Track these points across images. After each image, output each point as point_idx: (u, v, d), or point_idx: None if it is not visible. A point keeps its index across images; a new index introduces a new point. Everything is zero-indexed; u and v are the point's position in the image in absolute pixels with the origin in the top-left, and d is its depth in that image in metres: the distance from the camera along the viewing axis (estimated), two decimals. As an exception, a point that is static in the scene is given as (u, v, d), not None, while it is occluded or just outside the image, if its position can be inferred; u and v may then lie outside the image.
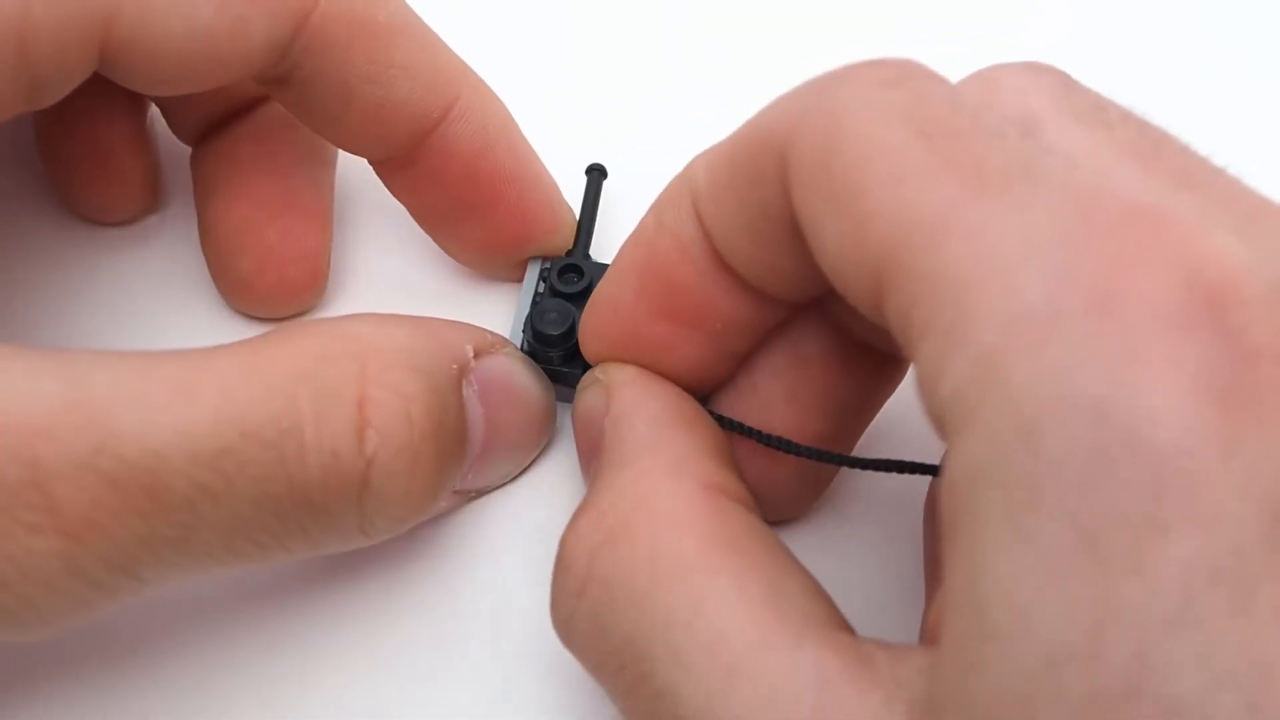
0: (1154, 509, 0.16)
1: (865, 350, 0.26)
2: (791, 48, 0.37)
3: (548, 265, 0.31)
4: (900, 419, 0.29)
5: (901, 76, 0.21)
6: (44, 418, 0.21)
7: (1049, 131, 0.21)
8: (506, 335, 0.29)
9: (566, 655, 0.27)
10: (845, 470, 0.29)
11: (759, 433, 0.26)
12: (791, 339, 0.26)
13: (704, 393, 0.27)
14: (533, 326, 0.29)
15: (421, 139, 0.29)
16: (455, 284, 0.32)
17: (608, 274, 0.26)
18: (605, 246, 0.32)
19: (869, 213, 0.19)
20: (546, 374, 0.29)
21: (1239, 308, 0.17)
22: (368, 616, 0.28)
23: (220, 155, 0.31)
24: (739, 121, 0.35)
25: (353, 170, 0.33)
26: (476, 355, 0.27)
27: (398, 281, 0.33)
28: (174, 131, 0.33)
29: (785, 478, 0.27)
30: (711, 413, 0.26)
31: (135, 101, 0.31)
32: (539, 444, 0.30)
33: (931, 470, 0.26)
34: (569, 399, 0.30)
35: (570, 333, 0.29)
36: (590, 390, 0.27)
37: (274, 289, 0.31)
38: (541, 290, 0.30)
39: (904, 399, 0.28)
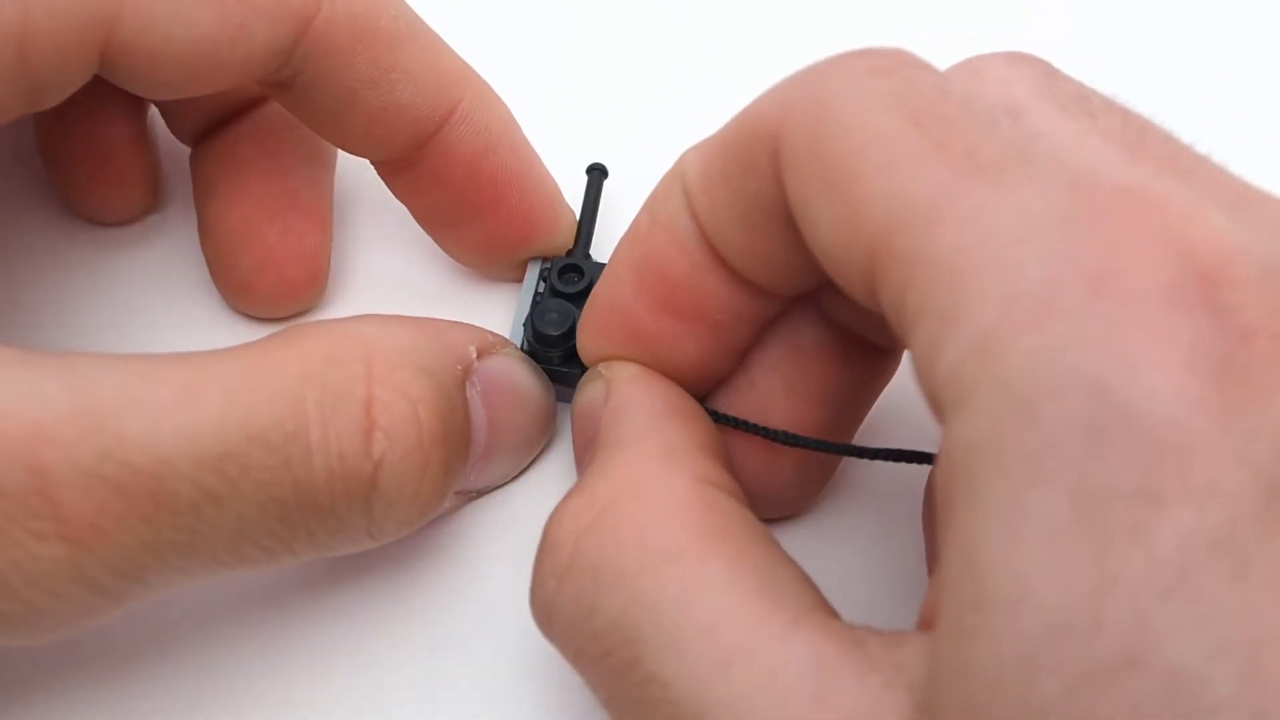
0: (1151, 481, 0.16)
1: (860, 342, 0.26)
2: (791, 47, 0.37)
3: (548, 265, 0.31)
4: (896, 411, 0.29)
5: (891, 65, 0.21)
6: (48, 423, 0.21)
7: (1033, 120, 0.21)
8: (506, 335, 0.29)
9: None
10: (843, 466, 0.29)
11: (758, 427, 0.26)
12: (787, 332, 0.26)
13: (705, 390, 0.27)
14: (533, 326, 0.29)
15: (424, 141, 0.29)
16: (455, 284, 0.32)
17: (604, 274, 0.26)
18: (605, 246, 0.32)
19: (862, 198, 0.20)
20: (547, 374, 0.29)
21: (1232, 287, 0.17)
22: (367, 616, 0.28)
23: (220, 155, 0.31)
24: (739, 121, 0.35)
25: (353, 170, 0.33)
26: (479, 356, 0.27)
27: (398, 281, 0.33)
28: (173, 132, 0.33)
29: (786, 472, 0.27)
30: (711, 410, 0.26)
31: (135, 102, 0.31)
32: (539, 444, 0.30)
33: (933, 459, 0.26)
34: (569, 399, 0.30)
35: (570, 333, 0.29)
36: (591, 384, 0.27)
37: (274, 289, 0.31)
38: (541, 290, 0.30)
39: (899, 393, 0.28)
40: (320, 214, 0.32)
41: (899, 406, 0.29)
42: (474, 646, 0.28)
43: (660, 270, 0.25)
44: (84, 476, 0.21)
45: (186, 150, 0.32)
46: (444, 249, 0.32)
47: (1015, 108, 0.21)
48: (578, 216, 0.32)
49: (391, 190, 0.31)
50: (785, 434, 0.26)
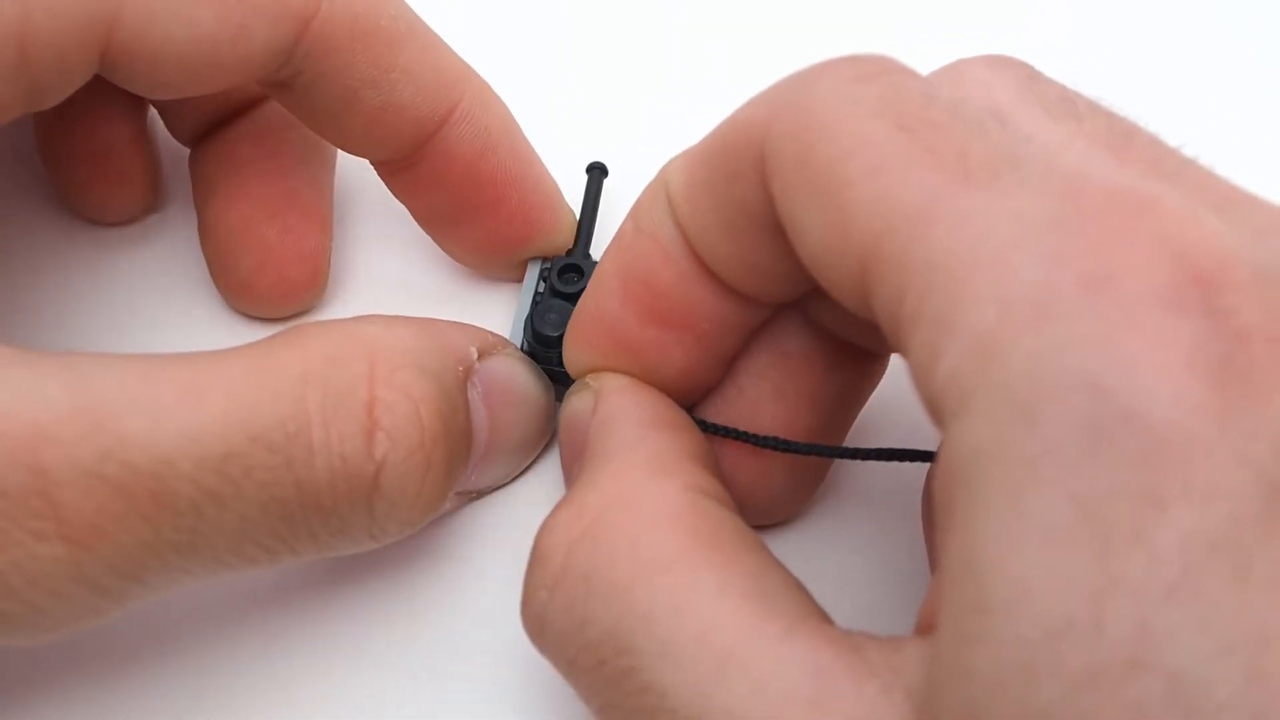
0: (1152, 482, 0.16)
1: (848, 347, 0.26)
2: (791, 47, 0.37)
3: (547, 265, 0.31)
4: (885, 413, 0.29)
5: (876, 71, 0.21)
6: (48, 423, 0.21)
7: (1020, 123, 0.21)
8: (506, 336, 0.29)
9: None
10: (834, 470, 0.29)
11: (747, 434, 0.26)
12: (774, 339, 0.26)
13: (693, 399, 0.27)
14: (533, 327, 0.29)
15: (423, 141, 0.29)
16: (455, 284, 0.32)
17: (589, 284, 0.26)
18: (605, 246, 0.32)
19: (851, 204, 0.20)
20: (546, 374, 0.29)
21: (1227, 289, 0.17)
22: (367, 616, 0.28)
23: (219, 155, 0.31)
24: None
25: (353, 170, 0.33)
26: (479, 356, 0.27)
27: (398, 281, 0.33)
28: (171, 132, 0.33)
29: (777, 479, 0.27)
30: (699, 420, 0.26)
31: (136, 101, 0.31)
32: (539, 444, 0.30)
33: (928, 457, 0.26)
34: (569, 399, 0.30)
35: (570, 333, 0.29)
36: (578, 395, 0.27)
37: (274, 288, 0.31)
38: (541, 290, 0.30)
39: (886, 394, 0.28)
40: (320, 214, 0.32)
41: (888, 407, 0.29)
42: (474, 646, 0.28)
43: (646, 279, 0.25)
44: (84, 476, 0.21)
45: (186, 149, 0.32)
46: (444, 249, 0.32)
47: (1000, 111, 0.21)
48: (577, 216, 0.32)
49: (391, 190, 0.31)
50: (775, 440, 0.26)
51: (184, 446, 0.22)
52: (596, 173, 0.32)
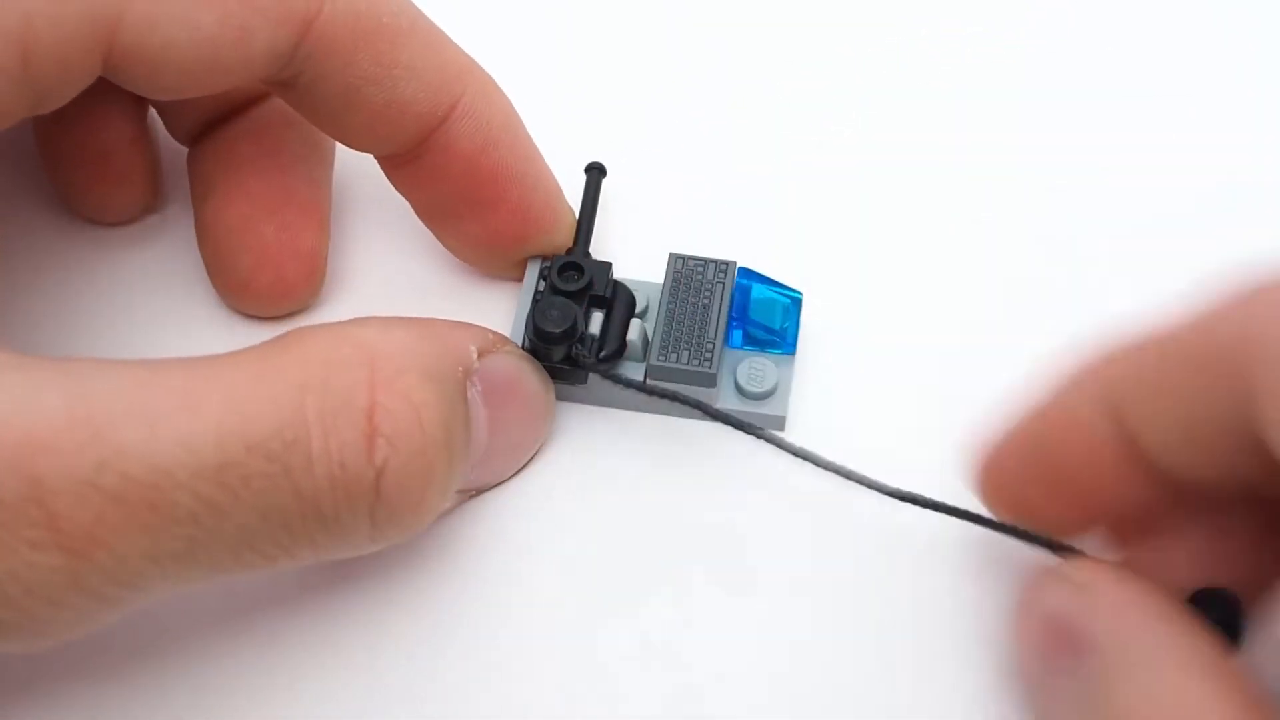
0: None
1: None
2: (791, 44, 0.37)
3: (548, 264, 0.31)
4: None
5: None
6: (45, 432, 0.21)
7: None
8: (507, 334, 0.29)
9: (565, 652, 0.27)
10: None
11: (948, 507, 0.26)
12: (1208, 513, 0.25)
13: None
14: (534, 324, 0.29)
15: (426, 136, 0.29)
16: (455, 283, 0.32)
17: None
18: (605, 245, 0.32)
19: None
20: (547, 372, 0.29)
21: None
22: (365, 616, 0.28)
23: (217, 154, 0.31)
24: (737, 120, 0.35)
25: (352, 168, 0.33)
26: (479, 355, 0.27)
27: (396, 280, 0.33)
28: (170, 132, 0.33)
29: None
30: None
31: (136, 102, 0.31)
32: (538, 442, 0.30)
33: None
34: (569, 397, 0.30)
35: (571, 331, 0.29)
36: (1055, 586, 0.25)
37: (271, 287, 0.31)
38: (542, 289, 0.30)
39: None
40: (318, 212, 0.31)
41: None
42: (474, 646, 0.28)
43: (1060, 464, 0.25)
44: (80, 486, 0.21)
45: (186, 149, 0.32)
46: (444, 244, 0.32)
47: None
48: (577, 215, 0.32)
49: (393, 183, 0.31)
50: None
51: (181, 456, 0.22)
52: (595, 172, 0.32)
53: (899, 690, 0.27)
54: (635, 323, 0.30)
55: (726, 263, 0.30)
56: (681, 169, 0.35)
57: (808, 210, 0.34)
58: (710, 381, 0.29)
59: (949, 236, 0.33)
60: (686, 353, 0.29)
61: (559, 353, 0.29)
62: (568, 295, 0.29)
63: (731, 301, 0.30)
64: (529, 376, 0.29)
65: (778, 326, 0.30)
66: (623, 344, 0.29)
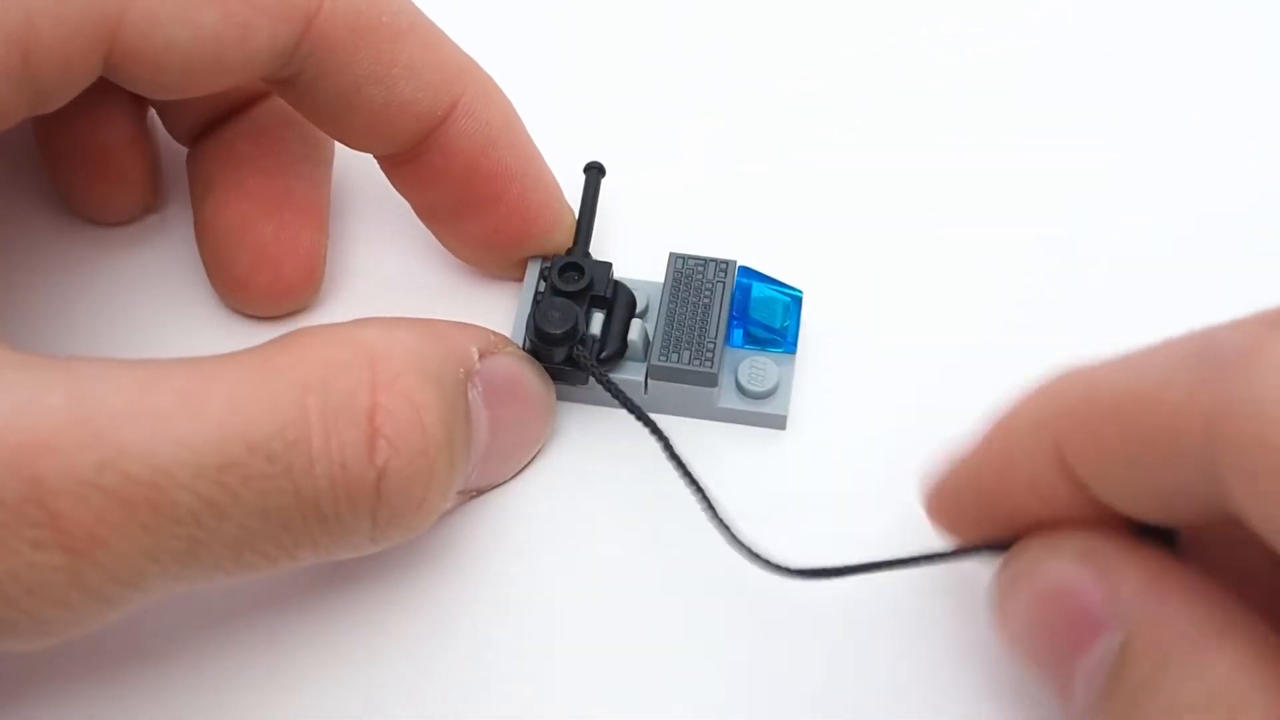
0: None
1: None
2: (791, 44, 0.37)
3: (548, 265, 0.31)
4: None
5: None
6: (47, 432, 0.21)
7: None
8: (508, 334, 0.29)
9: (564, 653, 0.27)
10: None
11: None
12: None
13: None
14: (534, 325, 0.29)
15: (426, 136, 0.29)
16: (454, 283, 0.32)
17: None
18: (604, 244, 0.32)
19: None
20: (548, 372, 0.29)
21: None
22: (366, 616, 0.28)
23: (216, 153, 0.31)
24: (737, 120, 0.35)
25: (352, 168, 0.33)
26: (480, 356, 0.27)
27: (395, 280, 0.33)
28: (169, 131, 0.33)
29: None
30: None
31: (136, 101, 0.31)
32: (539, 442, 0.30)
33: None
34: (570, 398, 0.30)
35: (572, 332, 0.29)
36: (1058, 560, 0.23)
37: (270, 287, 0.31)
38: (542, 289, 0.30)
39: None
40: (317, 211, 0.31)
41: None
42: (474, 646, 0.28)
43: (1001, 496, 0.24)
44: (81, 486, 0.21)
45: (185, 149, 0.32)
46: (444, 244, 0.32)
47: None
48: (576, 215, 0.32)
49: (393, 183, 0.31)
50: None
51: (182, 456, 0.22)
52: (594, 172, 0.32)
53: (897, 688, 0.27)
54: (636, 323, 0.30)
55: (727, 262, 0.30)
56: (681, 169, 0.35)
57: (808, 210, 0.34)
58: (711, 381, 0.29)
59: (949, 236, 0.33)
60: (687, 352, 0.29)
61: (560, 354, 0.29)
62: (568, 296, 0.29)
63: (732, 300, 0.30)
64: (530, 377, 0.29)
65: (778, 325, 0.30)
66: (623, 344, 0.29)
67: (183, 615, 0.27)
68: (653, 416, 0.28)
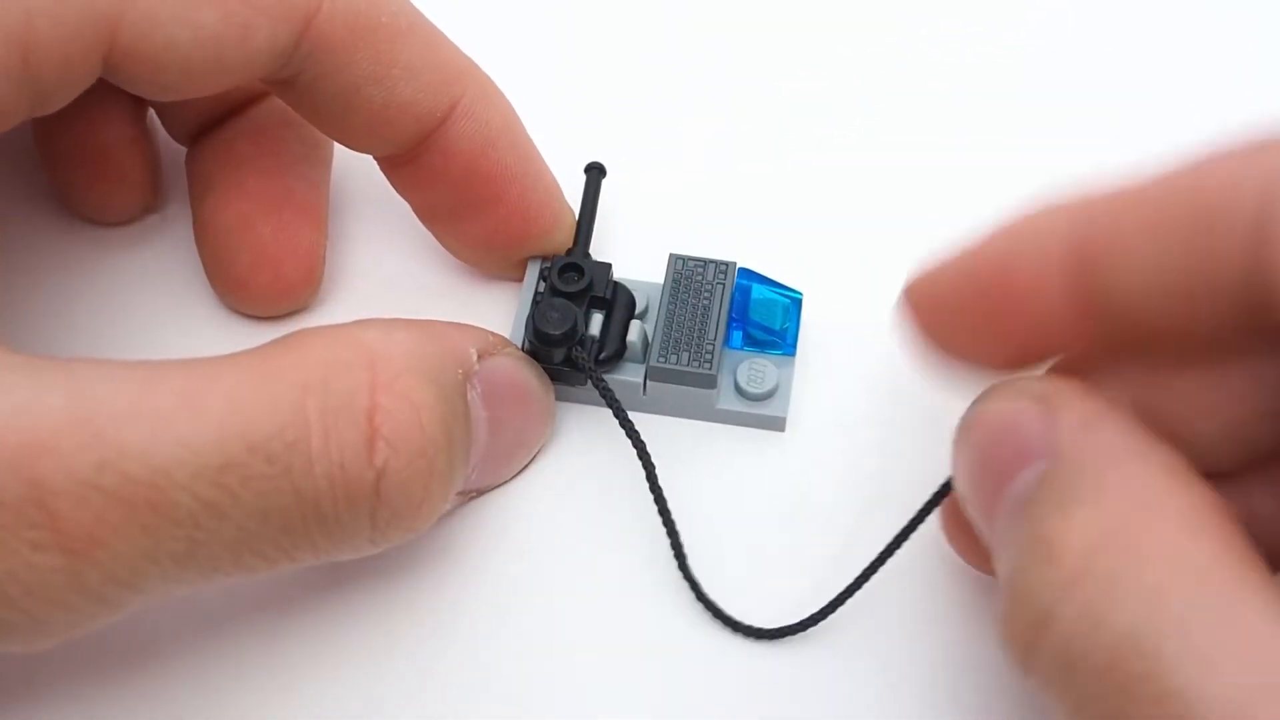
0: None
1: None
2: (791, 44, 0.37)
3: (547, 265, 0.31)
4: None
5: None
6: (46, 433, 0.21)
7: None
8: (507, 335, 0.29)
9: (564, 653, 0.27)
10: None
11: None
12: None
13: None
14: (534, 326, 0.29)
15: (425, 137, 0.29)
16: (454, 283, 0.32)
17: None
18: (604, 245, 0.32)
19: None
20: (547, 373, 0.29)
21: None
22: (366, 616, 0.28)
23: (215, 153, 0.31)
24: (737, 120, 0.35)
25: (351, 168, 0.33)
26: (480, 357, 0.27)
27: (395, 281, 0.33)
28: (168, 131, 0.33)
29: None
30: None
31: (135, 102, 0.31)
32: (539, 443, 0.30)
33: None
34: (569, 398, 0.30)
35: (571, 332, 0.29)
36: (1007, 398, 0.23)
37: (269, 287, 0.31)
38: (542, 290, 0.30)
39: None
40: (316, 211, 0.32)
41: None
42: (474, 646, 0.28)
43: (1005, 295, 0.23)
44: (81, 487, 0.21)
45: (185, 149, 0.32)
46: (444, 245, 0.32)
47: None
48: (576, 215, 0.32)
49: (392, 184, 0.31)
50: None
51: (181, 457, 0.22)
52: (595, 172, 0.32)
53: (896, 685, 0.27)
54: (635, 324, 0.30)
55: (726, 263, 0.30)
56: (681, 169, 0.35)
57: (808, 210, 0.34)
58: (710, 383, 0.29)
59: (949, 236, 0.33)
60: (686, 354, 0.29)
61: (559, 354, 0.29)
62: (568, 296, 0.29)
63: (731, 302, 0.30)
64: (529, 378, 0.29)
65: (778, 327, 0.30)
66: (623, 345, 0.30)
67: (183, 615, 0.28)
68: (651, 418, 0.28)
